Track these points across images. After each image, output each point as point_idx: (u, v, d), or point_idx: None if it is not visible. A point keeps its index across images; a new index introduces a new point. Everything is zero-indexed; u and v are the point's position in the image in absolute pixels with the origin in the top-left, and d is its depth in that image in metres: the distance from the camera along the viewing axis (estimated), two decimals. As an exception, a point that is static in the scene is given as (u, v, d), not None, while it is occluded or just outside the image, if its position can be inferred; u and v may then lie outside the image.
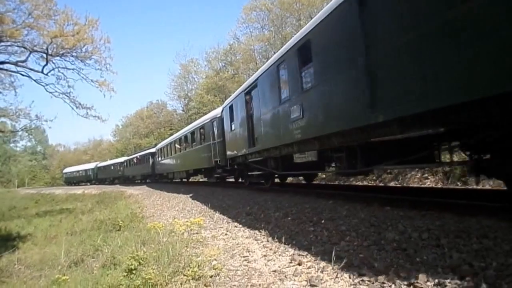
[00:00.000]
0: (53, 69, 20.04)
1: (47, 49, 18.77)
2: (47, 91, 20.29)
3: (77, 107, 20.76)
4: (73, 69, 20.20)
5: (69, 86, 20.67)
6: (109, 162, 60.62)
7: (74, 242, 9.41)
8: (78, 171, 73.51)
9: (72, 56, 19.57)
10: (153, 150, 37.04)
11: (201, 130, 19.70)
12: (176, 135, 27.50)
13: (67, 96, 20.52)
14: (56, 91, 20.42)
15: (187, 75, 52.04)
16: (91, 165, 68.79)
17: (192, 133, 21.63)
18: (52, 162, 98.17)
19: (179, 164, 25.92)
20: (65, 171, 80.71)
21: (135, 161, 43.31)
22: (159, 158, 33.63)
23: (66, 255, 7.98)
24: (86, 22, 18.90)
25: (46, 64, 19.49)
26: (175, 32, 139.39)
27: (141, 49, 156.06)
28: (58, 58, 19.62)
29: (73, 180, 75.47)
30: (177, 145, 25.74)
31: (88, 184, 66.15)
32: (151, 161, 36.58)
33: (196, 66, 51.20)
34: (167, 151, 29.99)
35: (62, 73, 20.23)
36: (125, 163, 49.28)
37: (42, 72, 19.68)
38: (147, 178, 41.70)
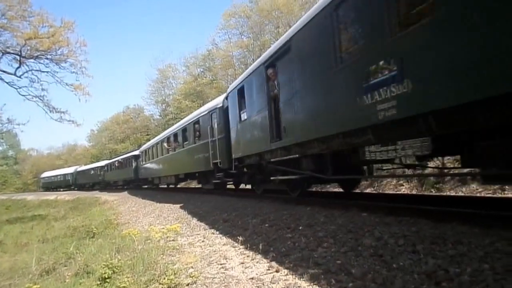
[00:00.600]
0: (27, 71, 19.67)
1: (20, 51, 18.38)
2: (20, 94, 19.90)
3: (50, 111, 20.39)
4: (47, 72, 19.87)
5: (43, 89, 20.28)
6: (89, 166, 57.25)
7: (46, 249, 9.15)
8: (56, 176, 70.49)
9: (47, 58, 19.24)
10: (136, 152, 34.23)
11: (196, 125, 16.45)
12: (164, 134, 23.93)
13: (41, 99, 20.12)
14: (29, 94, 20.02)
15: (165, 80, 51.79)
16: (70, 170, 65.57)
17: (184, 130, 18.48)
18: (24, 167, 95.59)
19: (166, 167, 22.71)
20: (42, 175, 77.76)
21: (116, 164, 40.36)
22: (144, 162, 30.48)
23: (38, 263, 7.74)
24: (62, 24, 18.63)
25: (20, 67, 19.10)
26: (153, 37, 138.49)
27: (118, 54, 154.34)
28: (32, 60, 19.27)
29: (51, 186, 72.14)
30: (165, 145, 22.55)
31: (67, 190, 62.98)
32: (134, 164, 33.53)
33: (174, 71, 51.05)
34: (152, 153, 26.57)
35: (36, 76, 19.86)
36: (105, 167, 46.16)
37: (15, 74, 19.27)
38: (129, 183, 38.32)
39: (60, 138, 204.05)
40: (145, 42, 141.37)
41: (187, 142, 17.92)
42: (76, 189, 60.22)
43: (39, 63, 19.49)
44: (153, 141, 28.01)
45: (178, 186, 27.33)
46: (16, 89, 19.72)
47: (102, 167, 47.87)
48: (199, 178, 18.17)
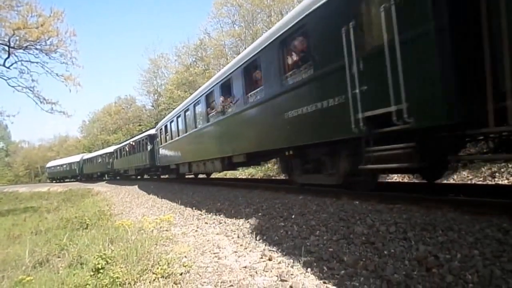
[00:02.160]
0: (16, 62, 19.40)
1: (9, 41, 18.10)
2: (9, 85, 19.63)
3: (41, 102, 20.17)
4: (37, 62, 19.60)
5: (33, 80, 20.04)
6: (96, 153, 50.33)
7: (39, 241, 9.09)
8: (62, 165, 63.47)
9: (36, 49, 18.96)
10: (152, 131, 26.12)
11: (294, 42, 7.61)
12: (201, 92, 13.80)
13: (31, 90, 19.87)
14: (19, 85, 19.77)
15: (157, 70, 51.38)
16: (76, 158, 58.35)
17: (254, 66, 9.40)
18: (15, 159, 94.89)
19: (206, 147, 13.32)
20: (48, 165, 72.23)
21: (127, 149, 33.01)
22: (163, 142, 21.20)
23: (31, 255, 7.69)
24: (51, 14, 18.31)
25: (8, 57, 18.82)
26: (145, 26, 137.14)
27: (109, 44, 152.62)
28: (21, 51, 18.97)
29: (56, 176, 66.58)
30: (200, 110, 13.71)
31: (73, 181, 57.60)
32: (148, 147, 25.71)
33: (166, 61, 50.60)
34: (176, 129, 17.61)
35: (26, 66, 19.61)
36: (114, 154, 38.77)
37: (3, 65, 18.99)
38: (144, 172, 30.91)
39: (52, 130, 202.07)
40: (136, 31, 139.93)
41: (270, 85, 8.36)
42: (83, 179, 54.36)
43: (29, 53, 19.25)
44: (176, 111, 18.13)
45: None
46: (5, 80, 19.48)
47: (110, 153, 41.10)
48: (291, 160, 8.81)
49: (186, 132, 15.76)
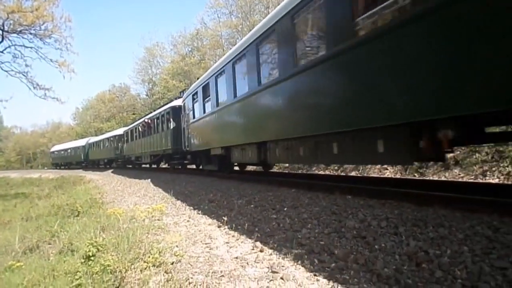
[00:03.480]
0: (9, 46, 19.15)
1: (3, 25, 17.89)
2: (2, 69, 19.37)
3: (34, 88, 19.97)
4: (31, 47, 19.40)
5: (26, 65, 19.80)
6: (103, 136, 43.44)
7: (30, 228, 9.03)
8: (66, 150, 57.08)
9: (31, 33, 18.75)
10: (176, 103, 19.51)
11: None
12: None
13: (24, 75, 19.66)
14: (12, 70, 19.51)
15: (152, 59, 51.12)
16: (82, 142, 51.52)
17: None
18: (7, 144, 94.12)
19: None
20: (52, 149, 65.95)
21: (140, 129, 26.30)
22: (196, 115, 14.97)
23: (21, 241, 7.64)
24: (47, -2, 18.07)
25: (2, 41, 18.56)
26: (141, 14, 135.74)
27: (105, 31, 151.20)
28: (15, 35, 18.75)
29: (60, 162, 60.62)
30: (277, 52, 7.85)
31: (78, 168, 50.98)
32: (171, 125, 19.19)
33: (161, 50, 50.40)
34: (226, 92, 11.17)
35: (19, 51, 19.38)
36: (124, 136, 32.51)
37: (-4, 49, 18.70)
38: (163, 160, 23.72)
39: (44, 116, 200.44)
40: (133, 19, 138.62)
41: None
42: (89, 166, 48.25)
43: (23, 38, 19.01)
44: (226, 59, 11.12)
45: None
46: (-1, 64, 19.25)
47: (119, 136, 34.58)
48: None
49: (247, 92, 9.32)
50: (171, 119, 19.57)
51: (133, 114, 53.15)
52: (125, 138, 32.39)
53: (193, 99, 15.25)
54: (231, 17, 34.70)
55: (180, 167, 21.82)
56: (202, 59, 37.85)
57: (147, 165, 28.93)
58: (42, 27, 18.65)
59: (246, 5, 32.21)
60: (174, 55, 45.83)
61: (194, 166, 20.10)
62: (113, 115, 60.53)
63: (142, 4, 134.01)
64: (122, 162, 35.54)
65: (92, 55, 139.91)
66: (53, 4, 18.39)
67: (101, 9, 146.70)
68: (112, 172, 32.15)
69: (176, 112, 19.28)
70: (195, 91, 14.90)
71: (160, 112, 22.00)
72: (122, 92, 63.18)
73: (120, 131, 35.69)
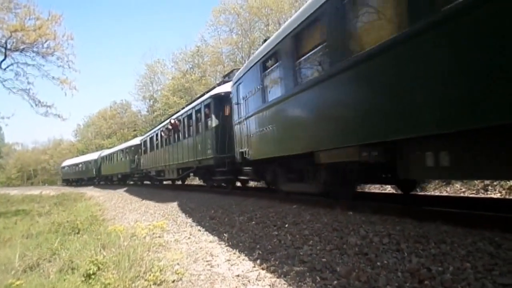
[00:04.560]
0: (12, 64, 19.31)
1: (6, 43, 18.08)
2: (4, 86, 19.52)
3: (36, 105, 20.07)
4: (33, 65, 19.54)
5: (28, 83, 19.93)
6: (116, 148, 38.12)
7: (30, 245, 9.01)
8: (77, 165, 51.85)
9: (33, 51, 18.94)
10: (220, 89, 13.96)
11: None
12: None
13: (26, 93, 19.78)
14: (14, 87, 19.65)
15: (153, 75, 51.50)
16: (94, 155, 46.05)
17: None
18: (8, 161, 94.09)
19: None
20: (63, 164, 60.67)
21: (162, 135, 20.85)
22: (266, 98, 8.89)
23: (21, 258, 7.61)
24: (49, 17, 18.32)
25: (4, 59, 18.77)
26: (142, 32, 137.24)
27: (106, 48, 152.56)
28: (17, 53, 18.93)
29: (71, 178, 55.37)
30: None
31: (90, 184, 46.10)
32: (212, 122, 13.67)
33: (162, 67, 50.73)
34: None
35: (22, 68, 19.53)
36: (142, 146, 26.96)
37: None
38: (198, 174, 17.60)
39: (46, 133, 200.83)
40: (134, 36, 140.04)
41: None
42: (101, 183, 43.35)
43: (25, 55, 19.19)
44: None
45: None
46: (1, 82, 19.40)
47: (136, 147, 29.35)
48: None
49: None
50: (212, 115, 13.49)
51: (134, 130, 53.31)
52: (143, 149, 26.74)
53: (262, 74, 9.04)
54: (231, 34, 35.09)
55: (225, 185, 14.51)
56: (203, 75, 38.12)
57: (169, 181, 23.35)
58: (45, 45, 18.87)
59: (246, 23, 32.59)
60: (175, 71, 46.17)
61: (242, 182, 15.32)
62: (114, 132, 60.70)
63: (143, 21, 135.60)
64: (139, 178, 30.12)
65: (93, 71, 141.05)
66: (56, 22, 18.63)
67: (102, 24, 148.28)
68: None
69: (220, 103, 13.39)
70: (263, 60, 9.00)
71: (193, 107, 15.51)
72: (123, 109, 63.55)
73: (136, 140, 30.79)
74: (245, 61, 21.78)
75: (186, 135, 17.01)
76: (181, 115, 17.93)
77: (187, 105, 18.48)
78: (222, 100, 13.44)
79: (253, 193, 11.87)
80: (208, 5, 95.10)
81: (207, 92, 15.11)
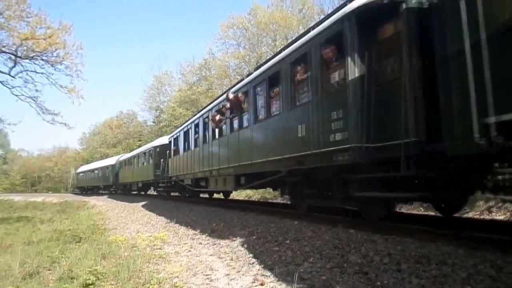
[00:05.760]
0: (21, 71, 19.43)
1: (16, 51, 18.27)
2: (13, 93, 19.64)
3: (43, 113, 20.13)
4: (42, 73, 19.68)
5: (36, 90, 20.00)
6: (136, 151, 32.47)
7: (31, 252, 8.99)
8: (93, 171, 47.01)
9: (42, 59, 19.08)
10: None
11: None
12: None
13: (34, 100, 19.86)
14: (22, 95, 19.75)
15: (160, 86, 51.90)
16: (112, 160, 40.76)
17: None
18: (13, 167, 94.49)
19: None
20: (79, 170, 56.04)
21: (206, 123, 14.42)
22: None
23: (21, 265, 7.59)
24: (60, 26, 18.57)
25: (14, 66, 18.92)
26: (150, 43, 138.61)
27: (114, 58, 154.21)
28: (27, 61, 19.09)
29: (86, 185, 50.94)
30: None
31: (107, 193, 41.66)
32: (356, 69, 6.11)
33: (169, 78, 51.14)
34: None
35: (31, 76, 19.65)
36: (173, 144, 20.60)
37: (9, 74, 19.08)
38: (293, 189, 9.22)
39: (51, 140, 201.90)
40: (141, 45, 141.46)
41: None
42: (119, 192, 38.10)
43: (34, 63, 19.32)
44: None
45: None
46: (9, 88, 19.55)
47: (162, 148, 23.52)
48: None
49: None
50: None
51: (139, 140, 53.47)
52: (173, 149, 20.47)
53: None
54: (239, 48, 35.37)
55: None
56: (209, 88, 38.34)
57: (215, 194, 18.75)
58: (54, 54, 19.00)
59: (254, 37, 32.87)
60: (182, 83, 46.48)
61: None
62: (119, 141, 60.93)
63: (150, 29, 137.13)
64: (165, 187, 23.62)
65: (99, 78, 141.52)
66: (66, 32, 18.84)
67: (109, 32, 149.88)
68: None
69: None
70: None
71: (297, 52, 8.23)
72: (129, 119, 63.85)
73: (163, 139, 24.89)
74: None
75: (270, 112, 9.39)
76: (253, 80, 10.42)
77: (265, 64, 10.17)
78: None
79: (254, 206, 11.84)
80: (217, 16, 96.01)
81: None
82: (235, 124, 11.70)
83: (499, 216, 8.13)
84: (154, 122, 53.65)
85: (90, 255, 7.03)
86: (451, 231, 5.30)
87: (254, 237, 7.06)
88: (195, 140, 16.17)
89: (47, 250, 8.88)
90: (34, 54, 18.87)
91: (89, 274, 4.72)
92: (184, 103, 40.61)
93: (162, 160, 22.98)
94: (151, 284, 4.43)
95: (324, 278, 4.16)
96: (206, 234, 8.39)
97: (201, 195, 19.29)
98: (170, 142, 21.67)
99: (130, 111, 64.82)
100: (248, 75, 11.50)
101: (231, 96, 11.54)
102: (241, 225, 8.47)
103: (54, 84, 19.75)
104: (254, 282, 4.52)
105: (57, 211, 22.47)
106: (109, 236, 8.88)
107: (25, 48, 18.53)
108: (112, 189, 40.77)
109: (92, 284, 4.57)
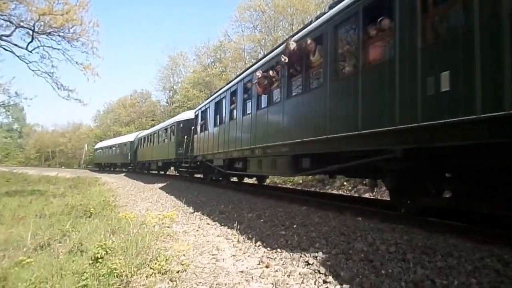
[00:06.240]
0: (38, 47, 19.57)
1: (33, 26, 18.36)
2: (29, 68, 19.78)
3: (58, 88, 20.29)
4: (58, 49, 19.79)
5: (52, 66, 20.16)
6: (157, 127, 30.02)
7: (43, 225, 9.18)
8: (111, 148, 44.71)
9: (59, 35, 19.16)
10: None
11: None
12: None
13: (50, 76, 20.03)
14: (39, 70, 19.90)
15: (175, 67, 52.02)
16: (130, 137, 38.72)
17: None
18: (28, 141, 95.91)
19: None
20: (97, 146, 54.90)
21: (248, 89, 11.39)
22: None
23: (33, 237, 7.78)
24: (77, 2, 18.58)
25: (31, 41, 19.03)
26: (166, 23, 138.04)
27: (129, 36, 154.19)
28: (44, 36, 19.19)
29: (102, 162, 49.56)
30: None
31: (124, 170, 40.44)
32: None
33: (184, 59, 51.15)
34: None
35: (47, 52, 19.78)
36: (200, 118, 18.00)
37: (26, 49, 19.20)
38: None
39: (66, 116, 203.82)
40: (156, 25, 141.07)
41: None
42: (137, 170, 35.91)
43: (51, 39, 19.42)
44: None
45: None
46: (27, 63, 19.72)
47: (186, 123, 21.25)
48: None
49: None
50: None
51: (152, 120, 53.78)
52: (200, 123, 17.99)
53: None
54: (254, 31, 35.11)
55: None
56: (223, 70, 38.28)
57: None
58: (71, 30, 19.06)
59: (271, 21, 32.57)
60: (196, 65, 46.52)
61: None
62: (132, 120, 61.35)
63: (167, 10, 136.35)
64: (188, 167, 20.38)
65: (114, 56, 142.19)
66: (83, 9, 18.86)
67: (126, 11, 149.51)
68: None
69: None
70: None
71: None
72: (143, 98, 64.17)
73: (188, 114, 22.40)
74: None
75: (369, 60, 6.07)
76: (334, 17, 7.00)
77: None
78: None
79: (264, 190, 11.88)
80: (235, 0, 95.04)
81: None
82: (297, 85, 8.58)
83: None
84: (167, 102, 53.95)
85: (100, 230, 7.15)
86: (461, 225, 5.27)
87: (262, 220, 7.11)
88: (231, 111, 13.07)
89: (58, 223, 9.05)
90: (51, 30, 18.95)
91: (98, 248, 4.80)
92: (198, 84, 40.62)
93: (185, 137, 20.47)
94: (159, 261, 4.49)
95: (329, 264, 4.18)
96: (215, 215, 8.47)
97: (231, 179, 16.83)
98: (196, 115, 19.01)
99: (144, 91, 65.22)
100: (317, 17, 8.00)
101: (292, 46, 8.34)
102: (249, 208, 8.53)
103: (70, 60, 19.86)
104: (259, 264, 4.57)
105: (69, 186, 22.81)
106: (119, 213, 9.01)
107: (42, 23, 18.60)
108: (130, 167, 38.64)
109: (101, 257, 4.66)
